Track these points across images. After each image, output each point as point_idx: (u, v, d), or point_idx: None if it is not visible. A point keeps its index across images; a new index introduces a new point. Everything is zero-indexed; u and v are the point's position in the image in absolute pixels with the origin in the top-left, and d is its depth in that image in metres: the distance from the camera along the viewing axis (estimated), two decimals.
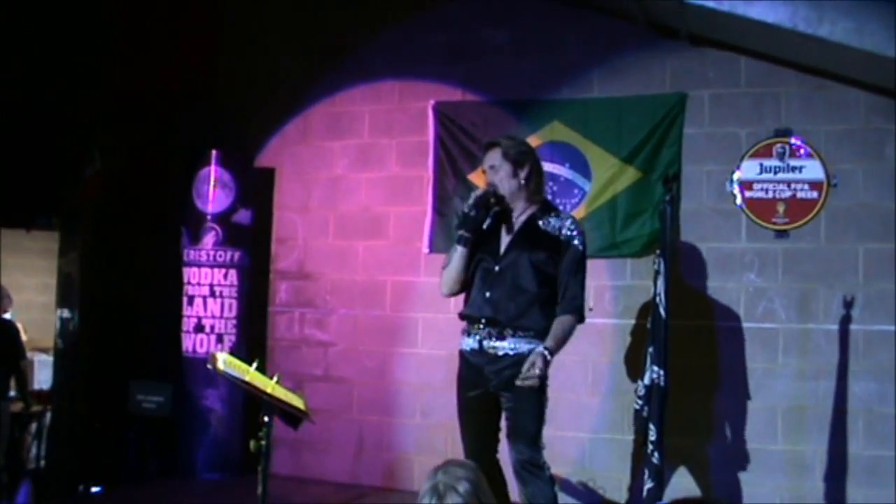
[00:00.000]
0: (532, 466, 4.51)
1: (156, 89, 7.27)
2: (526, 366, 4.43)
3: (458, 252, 4.65)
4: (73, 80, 6.94)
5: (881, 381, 6.03)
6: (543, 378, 4.47)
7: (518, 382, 4.43)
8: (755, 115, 6.39)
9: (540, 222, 4.66)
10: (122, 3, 7.16)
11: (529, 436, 4.53)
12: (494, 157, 4.67)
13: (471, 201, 4.61)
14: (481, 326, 4.58)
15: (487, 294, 4.60)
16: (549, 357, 4.47)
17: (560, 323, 4.57)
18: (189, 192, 7.24)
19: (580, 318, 4.64)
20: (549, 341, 4.51)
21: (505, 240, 4.66)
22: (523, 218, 4.69)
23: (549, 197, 6.36)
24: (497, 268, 4.61)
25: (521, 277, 4.57)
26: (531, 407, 4.51)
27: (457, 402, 4.74)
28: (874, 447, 6.02)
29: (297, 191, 7.55)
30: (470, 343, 4.63)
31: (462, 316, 4.73)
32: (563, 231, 4.63)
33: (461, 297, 4.83)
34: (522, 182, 4.67)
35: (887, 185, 6.08)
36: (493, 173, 4.67)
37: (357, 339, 7.28)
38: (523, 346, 4.51)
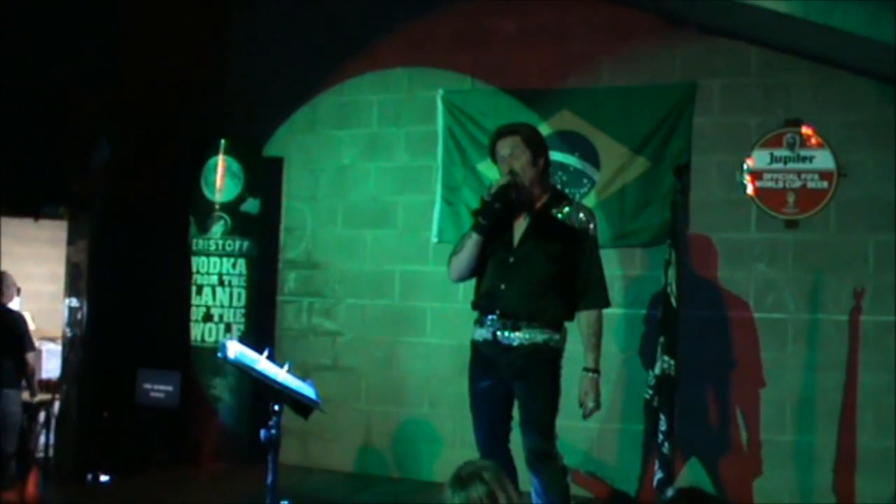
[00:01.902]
0: (545, 456, 4.50)
1: (164, 79, 7.25)
2: (582, 398, 4.53)
3: (473, 239, 4.61)
4: (81, 70, 6.93)
5: (891, 373, 6.02)
6: (597, 401, 4.56)
7: (585, 417, 4.55)
8: (765, 104, 6.37)
9: (553, 211, 4.64)
10: None
11: (542, 425, 4.52)
12: (515, 142, 4.62)
13: (494, 191, 4.54)
14: (496, 318, 4.57)
15: (502, 286, 4.57)
16: (597, 378, 4.55)
17: (589, 326, 4.58)
18: (197, 182, 7.24)
19: (606, 305, 4.66)
20: (589, 357, 4.56)
21: (518, 230, 4.63)
22: (536, 207, 4.66)
23: (559, 186, 6.40)
24: (511, 259, 4.58)
25: (535, 269, 4.54)
26: (544, 397, 4.50)
27: (469, 392, 4.73)
28: (884, 438, 6.02)
29: (305, 180, 7.54)
30: (483, 334, 4.61)
31: (475, 306, 4.71)
32: (577, 220, 4.61)
33: (470, 285, 4.81)
34: (541, 170, 4.65)
35: None
36: (513, 160, 4.62)
37: (365, 328, 7.28)
38: (538, 337, 4.50)
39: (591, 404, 4.51)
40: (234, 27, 7.61)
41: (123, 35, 7.18)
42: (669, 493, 2.53)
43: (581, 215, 4.63)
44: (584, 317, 4.57)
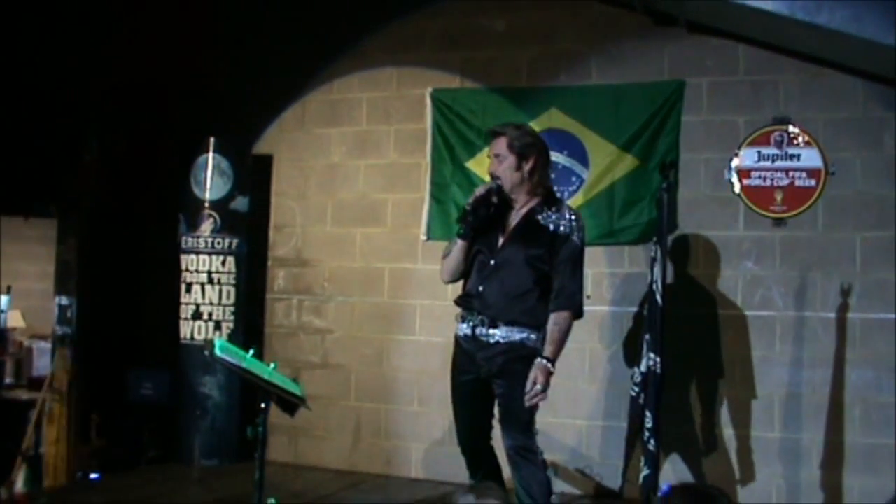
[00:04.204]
0: (525, 452, 4.53)
1: (153, 76, 7.26)
2: (529, 384, 4.44)
3: (458, 245, 4.66)
4: (70, 68, 6.93)
5: (878, 370, 6.04)
6: (544, 388, 4.46)
7: (526, 403, 4.45)
8: (753, 102, 6.38)
9: (539, 217, 4.63)
10: None
11: (522, 422, 4.54)
12: (500, 146, 4.64)
13: (472, 200, 4.59)
14: (475, 315, 4.59)
15: (481, 288, 4.60)
16: (549, 367, 4.48)
17: (556, 323, 4.54)
18: (187, 180, 7.21)
19: (577, 314, 4.63)
20: (548, 348, 4.51)
21: (503, 234, 4.65)
22: (523, 211, 4.67)
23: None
24: (492, 262, 4.61)
25: (515, 274, 4.56)
26: (523, 394, 4.51)
27: (451, 386, 4.76)
28: (871, 435, 6.03)
29: (294, 178, 7.54)
30: (464, 329, 4.66)
31: (457, 302, 4.74)
32: (562, 226, 4.60)
33: (459, 282, 4.84)
34: (526, 175, 4.65)
35: (885, 174, 6.08)
36: (497, 162, 4.65)
37: (354, 326, 7.28)
38: (515, 335, 4.53)
39: (538, 387, 4.43)
40: (224, 25, 7.60)
41: (112, 33, 7.18)
42: (664, 487, 2.51)
43: (566, 220, 4.63)
44: (552, 317, 4.57)
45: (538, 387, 4.43)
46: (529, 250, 4.57)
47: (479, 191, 4.62)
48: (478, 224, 4.60)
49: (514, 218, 4.67)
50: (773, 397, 6.26)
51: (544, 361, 4.47)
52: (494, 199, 4.60)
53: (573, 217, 4.68)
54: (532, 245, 4.58)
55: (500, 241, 4.64)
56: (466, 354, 4.65)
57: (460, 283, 4.82)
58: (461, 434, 4.74)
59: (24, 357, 8.55)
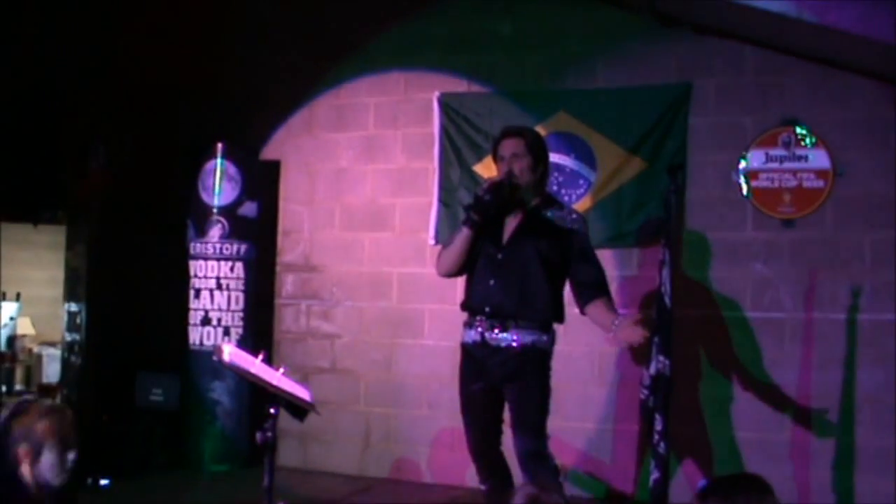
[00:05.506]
0: (537, 457, 4.52)
1: (160, 82, 7.27)
2: (633, 329, 4.51)
3: (464, 234, 4.63)
4: (77, 74, 6.95)
5: (888, 371, 6.00)
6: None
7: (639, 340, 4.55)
8: (761, 104, 6.36)
9: (543, 211, 4.68)
10: None
11: (534, 426, 4.53)
12: (518, 146, 4.65)
13: (486, 185, 4.60)
14: (484, 318, 4.59)
15: (491, 282, 4.60)
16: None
17: (604, 305, 4.64)
18: (195, 185, 7.24)
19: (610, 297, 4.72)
20: (612, 315, 4.62)
21: (508, 228, 4.66)
22: (527, 208, 4.70)
23: (556, 188, 6.44)
24: (500, 255, 4.62)
25: (525, 265, 4.58)
26: (535, 398, 4.51)
27: (459, 395, 4.75)
28: (881, 437, 6.00)
29: (302, 183, 7.55)
30: (472, 336, 4.64)
31: (465, 306, 4.74)
32: (567, 221, 4.66)
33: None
34: (538, 177, 4.70)
35: (894, 174, 6.05)
36: (514, 161, 4.65)
37: (363, 330, 7.28)
38: (526, 338, 4.52)
39: (641, 329, 4.51)
40: (231, 30, 7.61)
41: (119, 39, 7.19)
42: (700, 483, 2.52)
43: (571, 216, 4.71)
44: (594, 306, 4.65)
45: (641, 328, 4.50)
46: (538, 242, 4.60)
47: (494, 178, 4.63)
48: (490, 212, 4.59)
49: (519, 214, 4.69)
50: (782, 399, 6.23)
51: (623, 316, 4.60)
52: (506, 193, 4.60)
53: (576, 213, 4.80)
54: (540, 238, 4.61)
55: (506, 235, 4.65)
56: (475, 362, 4.63)
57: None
58: (473, 442, 4.73)
59: (34, 364, 8.58)
